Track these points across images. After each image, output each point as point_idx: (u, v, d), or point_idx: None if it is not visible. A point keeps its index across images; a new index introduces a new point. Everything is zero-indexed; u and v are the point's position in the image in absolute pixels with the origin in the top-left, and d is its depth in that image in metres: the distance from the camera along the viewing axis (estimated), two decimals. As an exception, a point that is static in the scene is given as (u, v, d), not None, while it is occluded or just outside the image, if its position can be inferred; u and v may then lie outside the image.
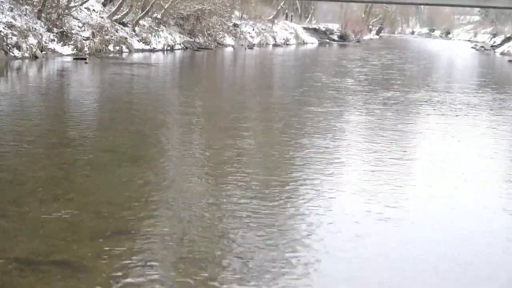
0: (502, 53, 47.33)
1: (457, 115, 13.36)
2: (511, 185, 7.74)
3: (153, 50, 30.08)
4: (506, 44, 50.71)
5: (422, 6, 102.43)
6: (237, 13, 44.85)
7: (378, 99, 15.51)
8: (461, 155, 9.31)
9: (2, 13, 21.92)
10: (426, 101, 15.45)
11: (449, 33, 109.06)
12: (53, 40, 23.77)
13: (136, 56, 26.74)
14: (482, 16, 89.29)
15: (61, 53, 23.37)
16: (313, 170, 7.73)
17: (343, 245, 5.29)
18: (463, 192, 7.35)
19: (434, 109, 14.09)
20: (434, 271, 4.87)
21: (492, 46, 59.68)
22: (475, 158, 9.21)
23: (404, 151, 9.36)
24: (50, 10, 24.60)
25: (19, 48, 21.11)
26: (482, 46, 60.84)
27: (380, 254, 5.17)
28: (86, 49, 24.88)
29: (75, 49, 24.28)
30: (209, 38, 37.20)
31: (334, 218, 5.95)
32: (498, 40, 62.39)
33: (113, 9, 29.90)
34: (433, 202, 6.75)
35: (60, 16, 24.83)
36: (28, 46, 21.58)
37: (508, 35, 57.81)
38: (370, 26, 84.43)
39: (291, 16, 63.41)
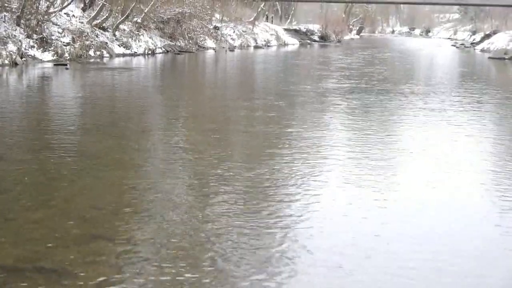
0: (482, 50, 47.66)
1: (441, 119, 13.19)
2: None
3: (134, 55, 29.98)
4: (486, 41, 51.04)
5: (402, 6, 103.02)
6: (217, 15, 44.79)
7: (360, 103, 15.54)
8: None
9: (-20, 20, 21.80)
10: (410, 106, 15.40)
11: (429, 31, 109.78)
12: (33, 47, 23.64)
13: (117, 61, 26.63)
14: (462, 14, 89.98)
15: (41, 60, 23.24)
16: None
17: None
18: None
19: (423, 113, 14.09)
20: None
21: (472, 43, 60.08)
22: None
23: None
24: (29, 16, 24.44)
25: (-2, 55, 20.99)
26: (462, 44, 61.24)
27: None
28: (66, 54, 24.76)
29: (56, 55, 24.16)
30: (190, 41, 37.13)
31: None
32: (477, 37, 62.80)
33: (93, 14, 29.77)
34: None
35: (40, 22, 24.69)
36: (7, 53, 21.43)
37: (487, 32, 58.16)
38: (351, 26, 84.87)
39: (272, 17, 63.56)
